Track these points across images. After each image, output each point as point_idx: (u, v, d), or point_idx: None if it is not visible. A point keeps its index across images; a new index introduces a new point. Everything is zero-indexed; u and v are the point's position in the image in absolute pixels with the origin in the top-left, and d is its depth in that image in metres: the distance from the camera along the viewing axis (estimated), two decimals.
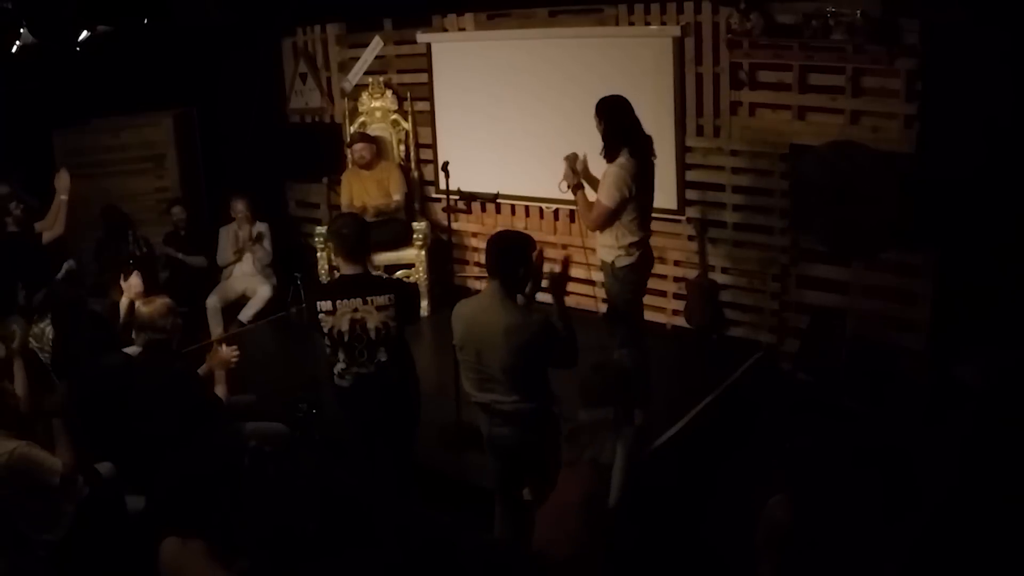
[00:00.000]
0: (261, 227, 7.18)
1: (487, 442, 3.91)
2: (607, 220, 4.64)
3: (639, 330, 5.09)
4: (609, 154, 4.58)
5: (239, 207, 7.09)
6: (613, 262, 4.78)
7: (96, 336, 4.71)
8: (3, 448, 3.75)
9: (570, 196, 6.35)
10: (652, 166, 4.72)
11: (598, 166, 4.79)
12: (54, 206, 6.00)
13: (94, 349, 4.57)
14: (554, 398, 3.80)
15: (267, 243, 7.17)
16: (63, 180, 6.01)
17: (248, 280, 7.12)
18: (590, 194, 4.81)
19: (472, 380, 3.83)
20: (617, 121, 4.57)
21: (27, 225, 6.02)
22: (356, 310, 3.94)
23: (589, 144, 4.95)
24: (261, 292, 7.05)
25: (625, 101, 4.62)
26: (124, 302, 5.36)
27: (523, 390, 3.67)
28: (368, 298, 3.94)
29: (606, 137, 4.57)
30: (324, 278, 6.88)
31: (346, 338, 3.96)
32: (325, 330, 3.99)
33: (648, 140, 4.70)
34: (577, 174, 4.75)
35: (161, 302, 4.32)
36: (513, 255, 3.75)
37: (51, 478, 3.75)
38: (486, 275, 6.94)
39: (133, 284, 5.37)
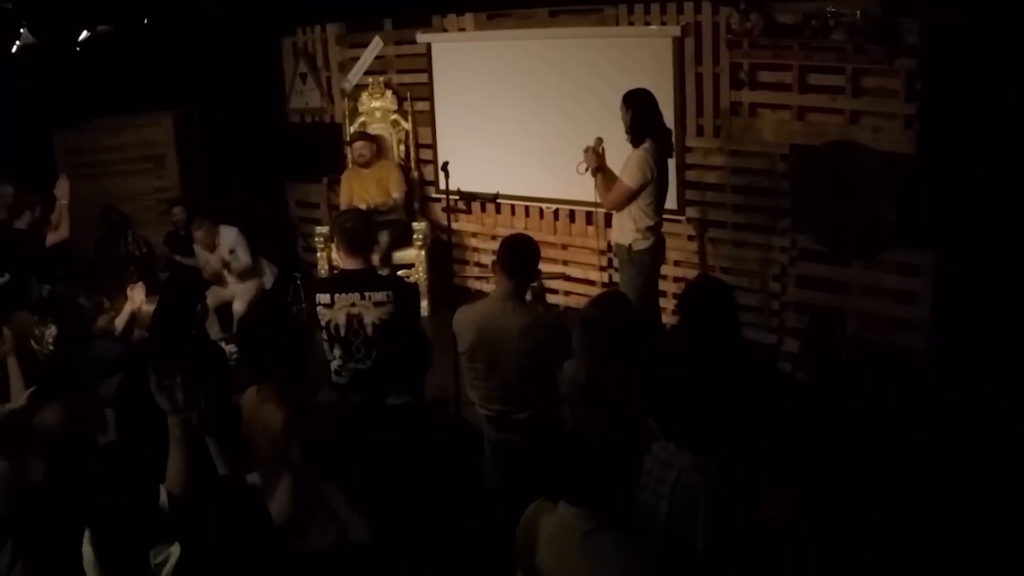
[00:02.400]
0: (227, 237, 6.63)
1: (491, 446, 3.89)
2: (627, 200, 4.92)
3: (655, 326, 5.16)
4: (635, 140, 4.87)
5: (198, 235, 6.62)
6: (631, 245, 4.98)
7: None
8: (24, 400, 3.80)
9: (569, 195, 6.43)
10: (670, 156, 5.06)
11: (610, 159, 5.06)
12: (56, 210, 5.96)
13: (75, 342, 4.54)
14: (561, 403, 3.78)
15: (241, 252, 6.64)
16: (63, 186, 5.95)
17: (235, 287, 6.84)
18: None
19: (480, 390, 3.79)
20: (644, 111, 4.86)
21: (39, 226, 6.02)
22: (354, 305, 3.94)
23: (590, 142, 5.09)
24: (243, 290, 6.76)
25: (651, 94, 4.94)
26: (127, 310, 5.34)
27: (534, 396, 3.64)
28: (366, 294, 3.94)
29: (633, 125, 4.86)
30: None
31: (343, 332, 3.96)
32: (322, 323, 3.99)
33: (669, 132, 5.06)
34: (599, 157, 5.02)
35: None
36: (531, 258, 3.79)
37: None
38: (486, 276, 7.03)
39: (137, 296, 5.35)
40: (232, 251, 6.59)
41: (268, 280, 6.93)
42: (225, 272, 6.66)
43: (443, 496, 2.89)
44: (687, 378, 2.91)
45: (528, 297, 3.87)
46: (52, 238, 5.98)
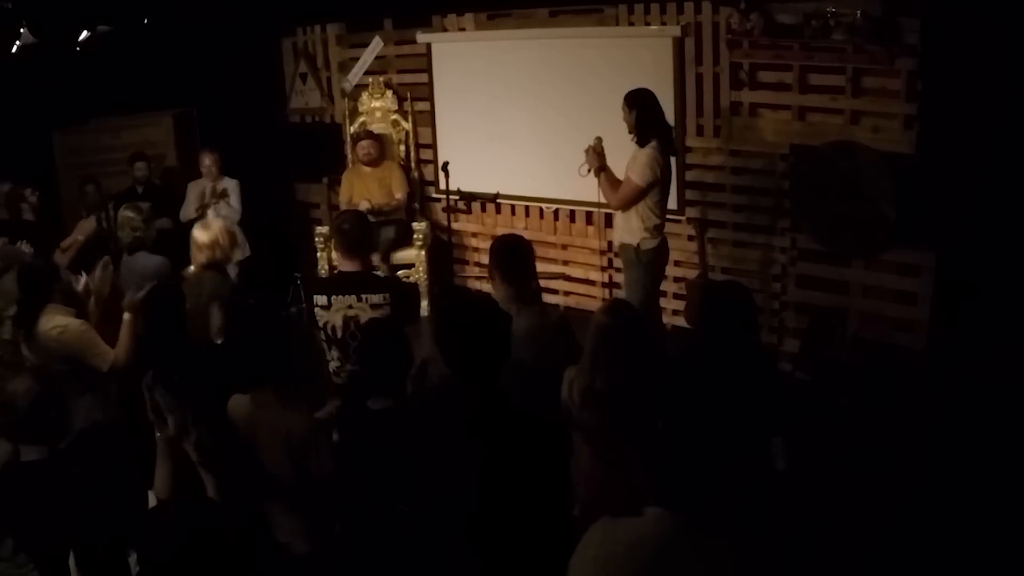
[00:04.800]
0: (229, 183, 6.80)
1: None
2: (635, 198, 4.94)
3: (657, 330, 5.15)
4: (641, 139, 4.91)
5: (206, 161, 6.74)
6: (639, 244, 5.00)
7: None
8: (59, 322, 3.91)
9: (569, 195, 6.41)
10: (673, 155, 5.11)
11: (610, 158, 5.09)
12: (71, 242, 5.68)
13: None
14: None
15: (234, 200, 6.78)
16: (86, 227, 5.73)
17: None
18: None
19: None
20: (648, 110, 4.91)
21: (42, 215, 6.00)
22: (350, 307, 3.94)
23: (590, 142, 5.10)
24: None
25: (652, 93, 4.98)
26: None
27: (542, 397, 3.63)
28: (363, 296, 3.94)
29: (638, 124, 4.90)
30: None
31: (339, 334, 3.96)
32: (320, 324, 4.00)
33: (671, 130, 5.11)
34: (601, 156, 5.03)
35: (217, 224, 4.57)
36: (526, 258, 3.79)
37: (99, 364, 3.89)
38: (486, 276, 7.01)
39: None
40: (226, 192, 6.67)
41: (238, 254, 6.49)
42: (209, 211, 6.60)
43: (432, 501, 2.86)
44: (703, 386, 2.90)
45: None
46: (59, 259, 5.93)
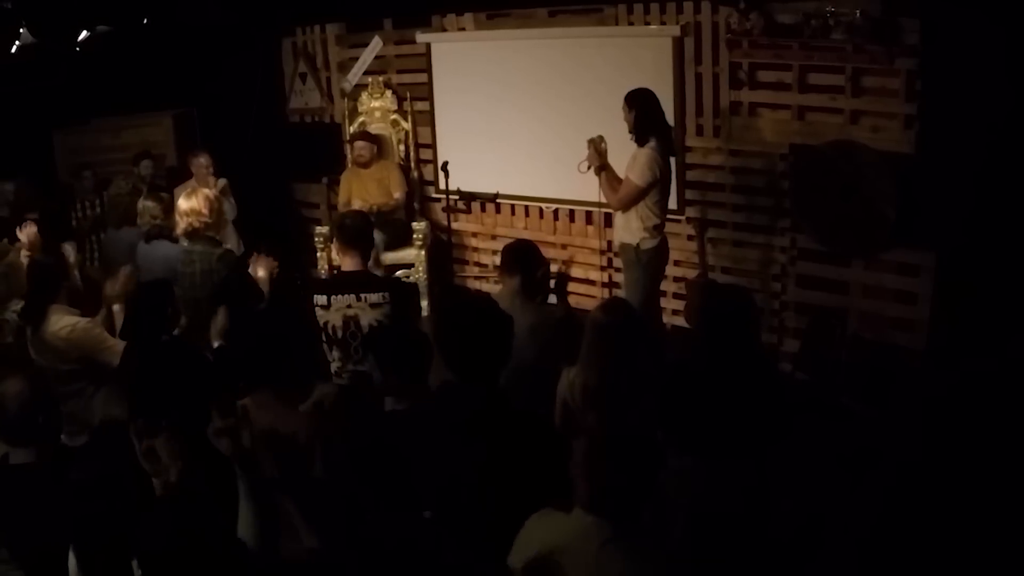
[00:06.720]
0: (221, 182, 6.60)
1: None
2: (635, 199, 4.94)
3: (657, 330, 5.16)
4: (640, 139, 4.91)
5: (202, 161, 6.51)
6: (638, 244, 5.01)
7: None
8: (67, 321, 3.92)
9: (569, 195, 6.41)
10: (673, 155, 5.12)
11: (610, 158, 5.09)
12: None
13: None
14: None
15: (229, 197, 6.62)
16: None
17: None
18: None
19: None
20: (647, 110, 4.90)
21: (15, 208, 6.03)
22: (350, 307, 3.95)
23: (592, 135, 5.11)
24: None
25: (653, 93, 4.98)
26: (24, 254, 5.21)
27: (542, 394, 3.63)
28: (362, 295, 3.94)
29: (636, 124, 4.89)
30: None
31: (340, 334, 3.97)
32: (320, 324, 4.00)
33: (671, 130, 5.13)
34: (601, 155, 5.02)
35: (202, 193, 4.53)
36: (534, 256, 3.84)
37: (111, 359, 3.90)
38: (486, 276, 7.02)
39: (29, 234, 5.27)
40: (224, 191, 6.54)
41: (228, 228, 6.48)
42: None
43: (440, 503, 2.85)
44: (704, 388, 2.90)
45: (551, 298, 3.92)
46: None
